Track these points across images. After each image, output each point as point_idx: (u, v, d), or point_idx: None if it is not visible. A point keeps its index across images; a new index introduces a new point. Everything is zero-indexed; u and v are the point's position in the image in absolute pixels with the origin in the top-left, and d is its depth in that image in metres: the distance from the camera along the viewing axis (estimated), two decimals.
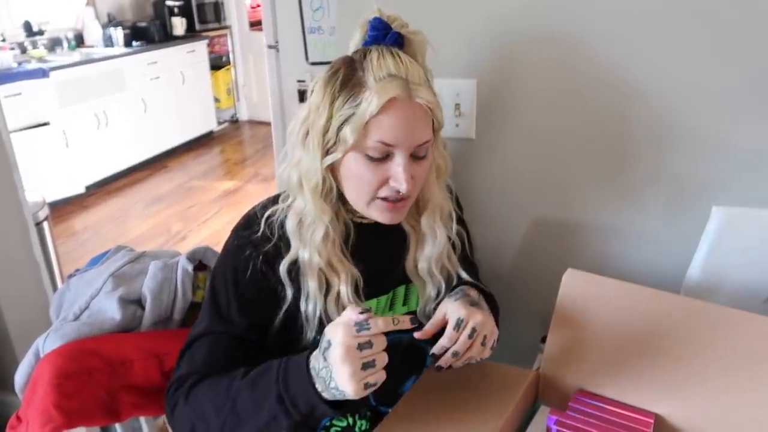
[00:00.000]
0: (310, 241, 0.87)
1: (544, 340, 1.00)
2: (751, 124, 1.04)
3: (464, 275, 0.98)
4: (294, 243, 0.88)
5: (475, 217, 1.22)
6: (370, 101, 0.80)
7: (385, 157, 0.84)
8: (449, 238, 0.97)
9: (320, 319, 0.88)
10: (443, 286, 0.97)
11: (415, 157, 0.85)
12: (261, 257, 0.88)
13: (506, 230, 1.26)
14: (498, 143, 1.20)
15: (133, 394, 0.97)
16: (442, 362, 0.83)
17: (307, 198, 0.87)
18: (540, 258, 1.26)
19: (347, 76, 0.83)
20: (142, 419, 1.07)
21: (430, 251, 0.95)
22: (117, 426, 1.03)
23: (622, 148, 1.12)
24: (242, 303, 0.88)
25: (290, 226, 0.89)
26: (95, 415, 0.94)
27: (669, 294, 0.90)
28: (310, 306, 0.88)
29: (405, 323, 0.72)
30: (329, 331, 0.72)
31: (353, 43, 0.90)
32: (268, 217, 0.90)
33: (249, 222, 0.91)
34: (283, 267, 0.88)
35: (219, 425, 0.80)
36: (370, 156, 0.83)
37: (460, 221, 1.02)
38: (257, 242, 0.88)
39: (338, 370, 0.69)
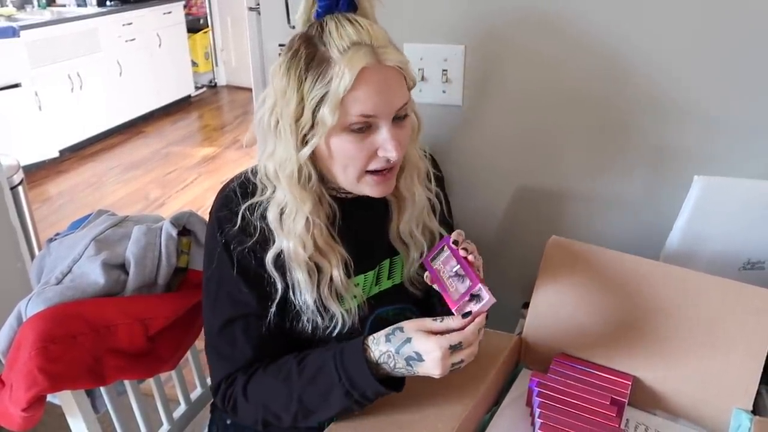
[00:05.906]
0: (292, 232, 0.85)
1: (525, 306, 1.02)
2: (735, 96, 1.05)
3: (445, 234, 0.98)
4: (277, 235, 0.86)
5: (460, 183, 1.22)
6: (341, 76, 0.77)
7: (368, 128, 0.82)
8: (428, 199, 0.97)
9: (316, 305, 0.88)
10: (425, 248, 0.96)
11: (397, 120, 0.83)
12: (246, 251, 0.86)
13: (491, 197, 1.26)
14: (485, 110, 1.20)
15: (118, 358, 0.97)
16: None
17: (284, 188, 0.85)
18: (523, 225, 1.27)
19: (310, 55, 0.80)
20: (127, 383, 1.07)
21: (410, 213, 0.94)
22: (102, 389, 1.03)
23: (608, 117, 1.13)
24: (247, 290, 0.87)
25: (271, 217, 0.86)
26: (80, 379, 0.94)
27: (649, 261, 0.92)
28: (301, 296, 0.88)
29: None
30: (421, 346, 0.77)
31: (298, 17, 0.85)
32: (250, 208, 0.87)
33: (230, 212, 0.87)
34: (269, 259, 0.86)
35: (291, 417, 0.85)
36: (353, 131, 0.81)
37: (439, 182, 1.02)
38: (240, 236, 0.86)
39: (428, 372, 0.78)
